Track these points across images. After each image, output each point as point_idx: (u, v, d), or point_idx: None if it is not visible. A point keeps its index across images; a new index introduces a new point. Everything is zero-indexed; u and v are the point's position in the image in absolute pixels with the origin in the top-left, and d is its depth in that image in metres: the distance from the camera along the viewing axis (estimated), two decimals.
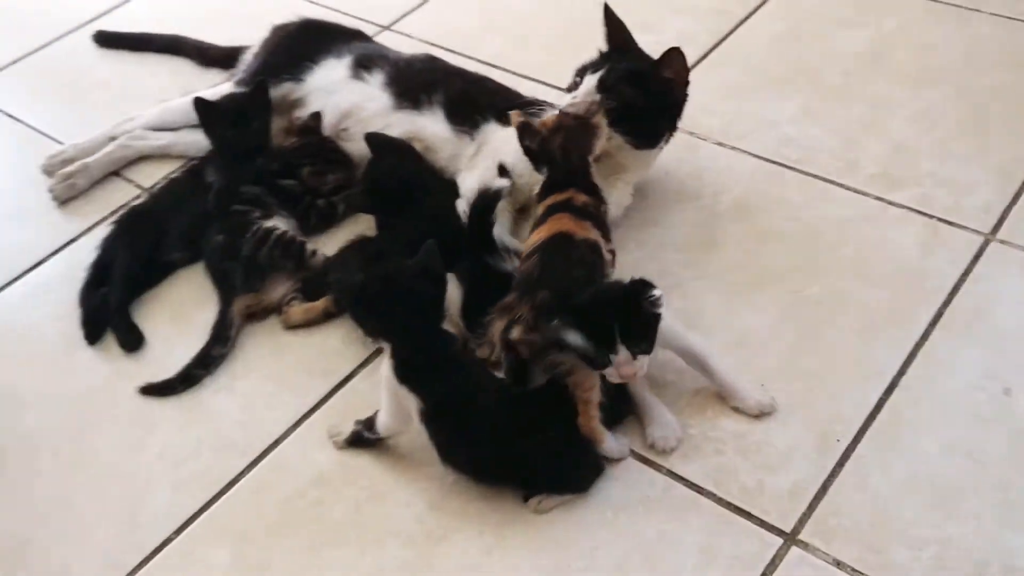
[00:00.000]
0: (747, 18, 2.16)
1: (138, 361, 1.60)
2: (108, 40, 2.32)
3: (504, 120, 1.70)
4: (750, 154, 1.82)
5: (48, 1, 2.52)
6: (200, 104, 1.78)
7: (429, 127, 1.74)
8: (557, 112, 1.55)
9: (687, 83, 1.64)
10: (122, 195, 1.91)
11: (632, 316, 1.25)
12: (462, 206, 1.62)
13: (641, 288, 1.26)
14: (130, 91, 2.16)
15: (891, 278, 1.57)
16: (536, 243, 1.43)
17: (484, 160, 1.68)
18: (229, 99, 1.82)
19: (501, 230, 1.60)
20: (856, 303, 1.54)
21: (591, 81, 1.57)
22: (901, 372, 1.44)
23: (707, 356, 1.41)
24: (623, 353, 1.25)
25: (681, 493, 1.33)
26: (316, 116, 1.83)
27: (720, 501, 1.32)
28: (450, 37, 2.19)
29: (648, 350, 1.28)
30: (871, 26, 2.09)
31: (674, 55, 1.57)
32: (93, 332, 1.63)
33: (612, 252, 1.49)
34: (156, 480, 1.43)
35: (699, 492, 1.33)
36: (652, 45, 2.00)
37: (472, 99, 1.75)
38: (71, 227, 1.85)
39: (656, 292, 1.26)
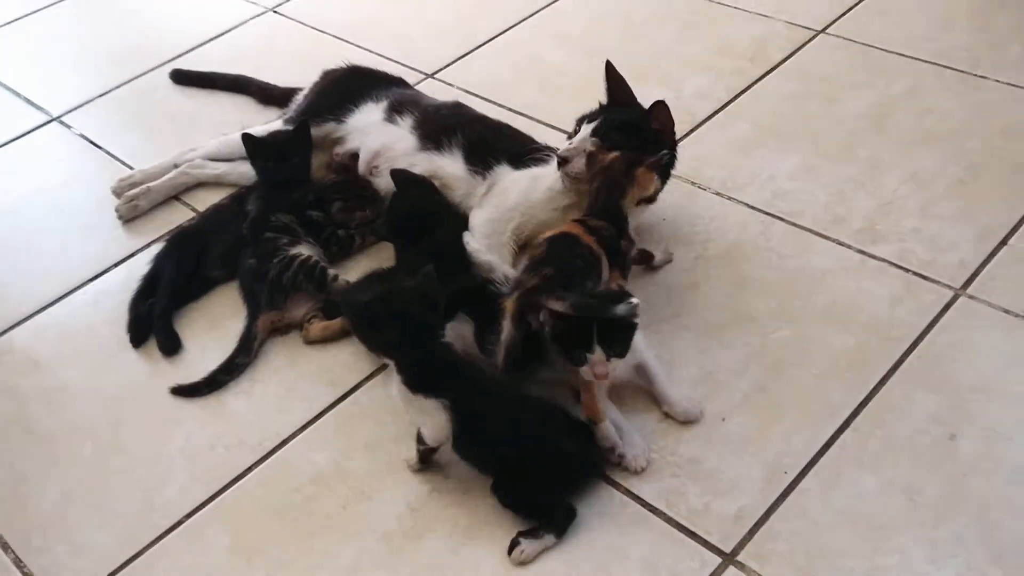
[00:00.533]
0: (762, 77, 2.29)
1: (174, 364, 1.80)
2: (183, 78, 2.57)
3: (515, 163, 1.88)
4: (745, 204, 1.95)
5: (139, 40, 2.80)
6: (247, 139, 1.99)
7: (447, 166, 1.92)
8: (615, 154, 1.68)
9: (673, 133, 1.77)
10: (179, 217, 2.12)
11: (610, 322, 1.41)
12: (467, 237, 1.79)
13: (621, 296, 1.44)
14: (197, 124, 2.39)
15: (859, 326, 1.68)
16: (545, 236, 1.64)
17: (493, 198, 1.85)
18: (273, 136, 2.03)
19: (500, 261, 1.76)
20: (822, 348, 1.65)
21: (586, 129, 1.74)
22: (855, 413, 1.55)
23: (651, 363, 1.57)
24: (598, 353, 1.41)
25: (634, 510, 1.46)
26: (354, 156, 2.03)
27: (669, 520, 1.44)
28: (486, 86, 2.38)
29: (622, 354, 1.44)
30: (879, 90, 2.20)
31: (660, 107, 1.73)
32: (137, 336, 1.84)
33: (620, 286, 1.64)
34: (175, 470, 1.61)
35: (651, 511, 1.45)
36: (671, 100, 2.15)
37: (488, 143, 1.92)
38: (131, 243, 2.08)
39: (634, 301, 1.42)
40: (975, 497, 1.42)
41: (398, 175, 1.90)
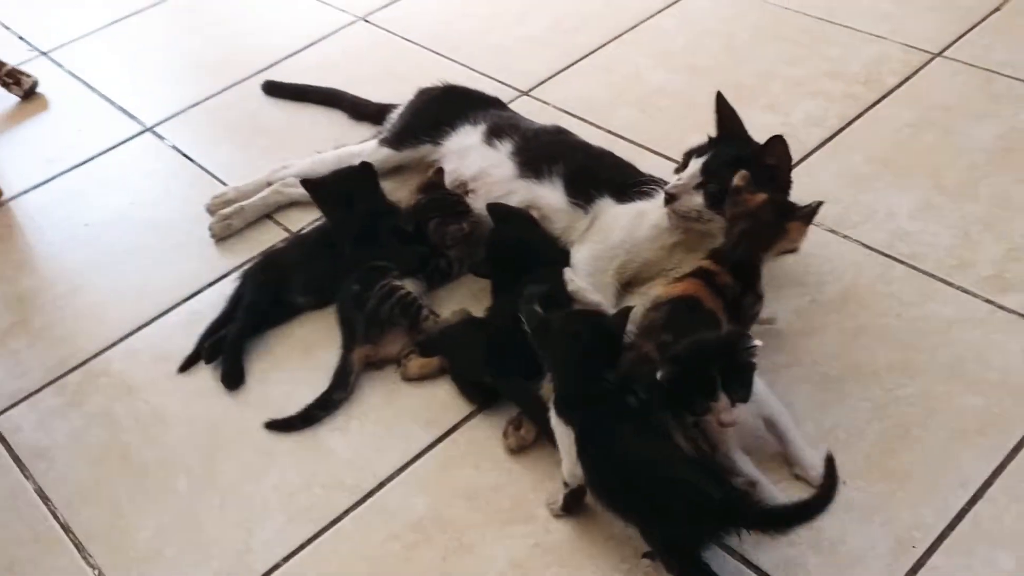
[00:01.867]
0: (876, 103, 2.18)
1: (267, 394, 1.77)
2: (274, 89, 2.54)
3: (618, 196, 1.81)
4: (861, 244, 1.85)
5: (229, 48, 2.78)
6: (307, 185, 1.95)
7: (547, 197, 1.85)
8: (764, 197, 1.57)
9: (790, 170, 1.69)
10: (272, 236, 2.10)
11: (731, 364, 1.35)
12: (569, 275, 1.72)
13: (738, 338, 1.37)
14: (289, 139, 2.37)
15: (990, 385, 1.58)
16: (666, 297, 1.55)
17: (596, 234, 1.78)
18: (334, 178, 1.97)
19: (604, 301, 1.69)
20: (950, 407, 1.55)
21: (696, 164, 1.66)
22: (988, 483, 1.45)
23: (781, 417, 1.49)
24: (723, 400, 1.34)
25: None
26: (439, 171, 1.97)
27: None
28: (582, 106, 2.31)
29: (746, 398, 1.37)
30: (1004, 120, 2.08)
31: (776, 143, 1.64)
32: (211, 357, 1.83)
33: None
34: (271, 508, 1.58)
35: None
36: (779, 127, 2.09)
37: (591, 173, 1.86)
38: (224, 263, 2.05)
39: (755, 342, 1.36)
40: None
41: (495, 209, 1.84)
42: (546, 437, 1.53)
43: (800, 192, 1.86)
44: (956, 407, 1.55)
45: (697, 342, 1.40)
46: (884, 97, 2.20)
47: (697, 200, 1.65)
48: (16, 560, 1.57)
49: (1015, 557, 1.36)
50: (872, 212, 1.91)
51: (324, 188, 1.96)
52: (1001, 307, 1.70)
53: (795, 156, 2.03)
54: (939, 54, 2.29)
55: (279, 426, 1.71)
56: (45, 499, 1.66)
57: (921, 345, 1.66)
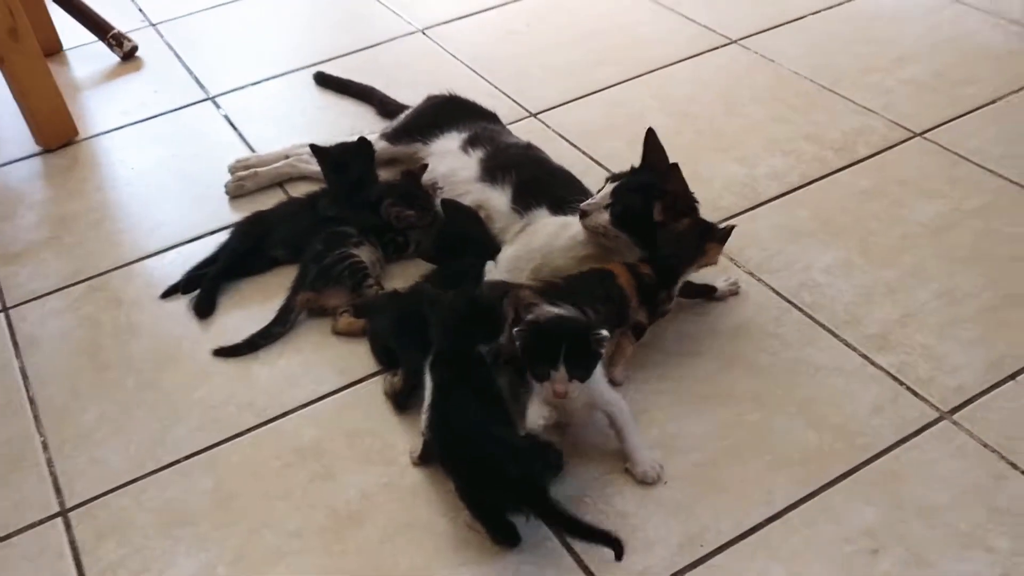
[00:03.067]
0: (840, 169, 2.31)
1: (223, 326, 2.05)
2: (323, 80, 2.85)
3: (555, 209, 2.01)
4: (771, 288, 1.99)
5: (298, 39, 3.13)
6: (314, 149, 2.25)
7: (494, 200, 2.08)
8: (688, 221, 1.83)
9: (688, 195, 1.85)
10: (276, 202, 2.39)
11: (580, 345, 1.55)
12: (490, 267, 1.94)
13: (593, 326, 1.57)
14: (319, 124, 2.67)
15: (829, 427, 1.70)
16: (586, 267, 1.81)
17: (523, 237, 1.99)
18: (338, 148, 2.25)
19: None
20: (785, 438, 1.69)
21: (609, 187, 1.85)
22: (791, 507, 1.58)
23: (620, 415, 1.65)
24: (562, 372, 1.55)
25: (552, 545, 1.56)
26: (423, 167, 2.22)
27: (580, 564, 1.53)
28: (577, 133, 2.52)
29: (583, 378, 1.57)
30: (951, 202, 2.17)
31: (673, 171, 1.82)
32: (187, 288, 2.13)
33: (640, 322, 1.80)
34: (190, 415, 1.85)
35: (565, 548, 1.55)
36: (741, 177, 2.27)
37: (539, 186, 2.06)
38: (230, 217, 2.34)
39: (604, 333, 1.56)
40: None
41: (448, 204, 2.08)
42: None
43: (739, 236, 2.01)
44: (790, 439, 1.68)
45: (558, 316, 1.61)
46: (850, 165, 2.32)
47: (604, 217, 1.84)
48: None
49: (788, 572, 1.49)
50: (792, 262, 2.05)
51: (327, 153, 2.26)
52: (873, 363, 1.81)
53: (747, 203, 2.23)
54: (920, 134, 2.40)
55: (225, 352, 1.98)
56: (24, 376, 1.98)
57: (783, 382, 1.79)
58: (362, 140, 2.24)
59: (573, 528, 1.52)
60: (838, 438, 1.68)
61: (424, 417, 1.64)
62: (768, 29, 2.90)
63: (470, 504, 1.56)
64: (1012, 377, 1.76)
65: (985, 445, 1.64)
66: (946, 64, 2.66)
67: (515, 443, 1.56)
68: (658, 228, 1.82)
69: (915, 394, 1.74)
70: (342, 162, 2.22)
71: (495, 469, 1.51)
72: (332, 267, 2.03)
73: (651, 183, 1.84)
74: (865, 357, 1.82)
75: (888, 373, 1.79)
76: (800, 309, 1.94)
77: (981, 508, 1.55)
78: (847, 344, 1.85)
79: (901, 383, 1.76)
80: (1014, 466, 1.61)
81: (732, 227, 1.85)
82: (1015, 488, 1.58)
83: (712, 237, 1.83)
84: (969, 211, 2.14)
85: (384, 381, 1.84)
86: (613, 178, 1.90)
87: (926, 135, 2.39)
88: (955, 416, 1.70)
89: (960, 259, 2.02)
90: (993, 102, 2.49)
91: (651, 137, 1.92)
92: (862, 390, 1.76)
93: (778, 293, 1.98)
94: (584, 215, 1.86)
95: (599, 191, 1.90)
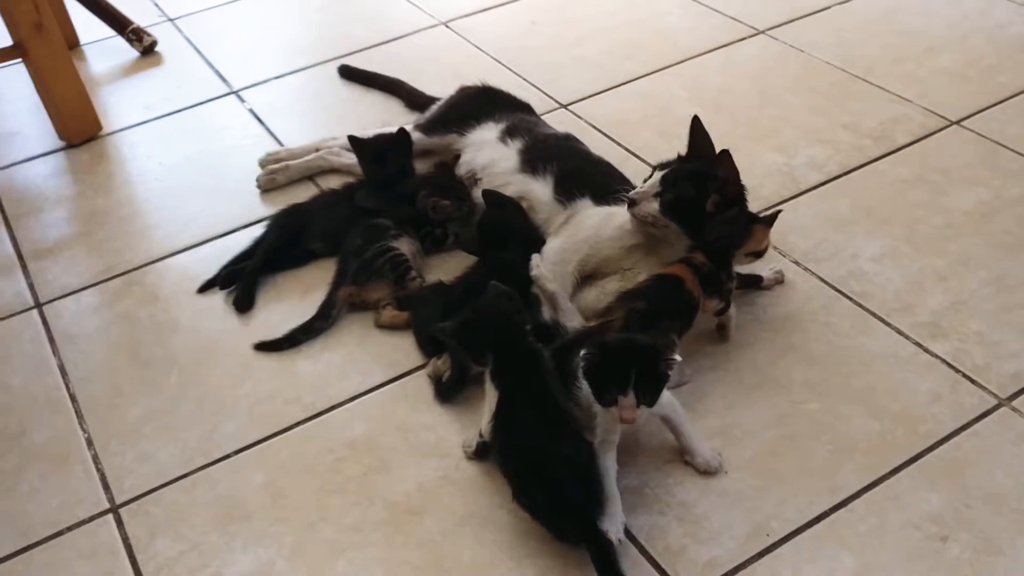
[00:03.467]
0: (879, 159, 2.30)
1: (263, 321, 2.02)
2: (348, 73, 2.83)
3: (598, 199, 2.00)
4: (818, 277, 1.98)
5: (320, 33, 3.10)
6: (353, 140, 2.22)
7: (537, 191, 2.05)
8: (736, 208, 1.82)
9: (739, 183, 1.83)
10: (308, 195, 2.36)
11: (650, 369, 1.48)
12: (536, 260, 1.92)
13: (664, 349, 1.49)
14: (347, 116, 2.64)
15: (890, 415, 1.69)
16: (654, 274, 1.78)
17: (569, 228, 1.97)
18: (376, 139, 2.24)
19: (559, 290, 1.87)
20: (845, 427, 1.67)
21: (658, 175, 1.84)
22: (856, 495, 1.57)
23: (675, 414, 1.63)
24: (631, 398, 1.47)
25: None
26: (456, 157, 2.21)
27: (643, 551, 1.52)
28: (611, 124, 2.50)
29: (651, 403, 1.49)
30: (993, 189, 2.16)
31: (723, 157, 1.79)
32: (225, 283, 2.10)
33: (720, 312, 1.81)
34: (238, 411, 1.83)
35: (630, 538, 1.54)
36: (780, 166, 2.25)
37: (581, 177, 2.04)
38: (263, 210, 2.32)
39: (676, 358, 1.49)
40: None
41: (490, 195, 2.06)
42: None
43: (782, 226, 1.99)
44: (851, 427, 1.67)
45: (628, 339, 1.55)
46: (889, 153, 2.31)
47: (654, 207, 1.82)
48: (26, 415, 1.86)
49: (857, 561, 1.48)
50: (838, 251, 2.04)
51: (365, 145, 2.24)
52: (927, 350, 1.80)
53: (787, 193, 2.22)
54: (956, 122, 2.39)
55: (266, 347, 1.96)
56: (63, 373, 1.95)
57: (839, 371, 1.78)
58: (401, 131, 2.23)
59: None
60: (898, 425, 1.67)
61: (486, 425, 1.63)
62: (795, 20, 2.90)
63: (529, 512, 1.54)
64: None
65: None
66: (976, 54, 2.65)
67: (578, 464, 1.51)
68: (708, 218, 1.80)
69: (972, 381, 1.73)
70: (380, 153, 2.20)
71: (557, 494, 1.49)
72: (373, 260, 2.00)
73: (701, 170, 1.82)
74: (919, 345, 1.81)
75: (943, 361, 1.78)
76: (849, 298, 1.93)
77: None
78: (900, 332, 1.84)
79: (957, 371, 1.76)
80: None
81: (779, 211, 1.85)
82: None
83: (758, 220, 1.83)
84: (1012, 199, 2.13)
85: (430, 364, 1.82)
86: (661, 167, 1.88)
87: (963, 123, 2.39)
88: (1014, 403, 1.69)
89: (1007, 246, 2.01)
90: None
91: (697, 124, 1.90)
92: (918, 378, 1.75)
93: (826, 282, 1.97)
94: (633, 204, 1.84)
95: (646, 180, 1.88)
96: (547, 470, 1.50)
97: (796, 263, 2.02)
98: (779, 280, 1.97)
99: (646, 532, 1.54)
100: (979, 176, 2.21)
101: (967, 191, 2.17)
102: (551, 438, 1.53)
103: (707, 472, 1.61)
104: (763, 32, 2.85)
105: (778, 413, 1.71)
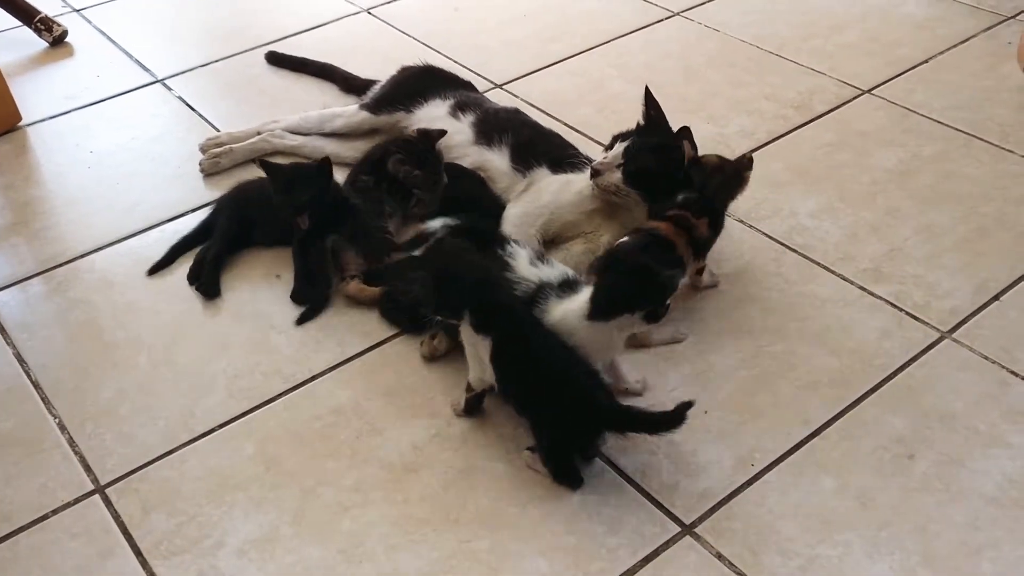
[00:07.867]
0: (802, 125, 2.45)
1: (226, 298, 2.01)
2: (276, 60, 2.82)
3: (554, 167, 2.07)
4: (763, 233, 2.11)
5: (242, 22, 3.07)
6: (264, 165, 2.05)
7: (494, 161, 2.12)
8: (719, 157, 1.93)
9: (695, 156, 1.93)
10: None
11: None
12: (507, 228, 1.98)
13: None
14: (282, 100, 2.63)
15: (846, 351, 1.82)
16: (646, 227, 1.83)
17: (528, 195, 2.04)
18: (292, 168, 2.11)
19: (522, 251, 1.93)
20: (808, 365, 1.80)
21: (620, 147, 1.92)
22: (827, 424, 1.69)
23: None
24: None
25: (611, 477, 1.62)
26: (441, 132, 2.13)
27: (640, 489, 1.60)
28: (548, 102, 2.58)
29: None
30: (909, 150, 2.34)
31: (684, 132, 1.89)
32: (193, 277, 2.07)
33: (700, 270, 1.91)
34: (216, 386, 1.82)
35: (626, 479, 1.61)
36: (714, 135, 2.36)
37: (534, 146, 2.12)
38: (208, 194, 2.30)
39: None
40: (920, 509, 1.55)
41: (451, 168, 2.10)
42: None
43: None
44: (814, 365, 1.80)
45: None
46: (811, 121, 2.47)
47: (617, 176, 1.91)
48: None
49: (837, 481, 1.60)
50: (778, 209, 2.18)
51: (278, 171, 2.05)
52: (871, 293, 1.95)
53: None
54: (868, 91, 2.57)
55: (304, 317, 1.95)
56: (22, 361, 1.89)
57: (795, 315, 1.91)
58: (323, 161, 2.02)
59: (655, 424, 1.56)
60: (855, 361, 1.80)
61: (476, 371, 1.67)
62: (706, 2, 3.05)
63: (548, 443, 1.59)
64: (996, 298, 1.92)
65: (985, 357, 1.80)
66: (876, 31, 2.86)
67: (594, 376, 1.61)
68: (691, 166, 1.88)
69: (915, 318, 1.89)
70: (289, 182, 2.02)
71: (585, 404, 1.56)
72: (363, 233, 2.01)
73: (661, 144, 1.91)
74: (863, 289, 1.96)
75: (888, 302, 1.93)
76: (794, 251, 2.06)
77: (994, 411, 1.70)
78: (844, 279, 1.98)
79: (901, 309, 1.91)
80: (1014, 373, 1.77)
81: (751, 154, 1.94)
82: (1019, 391, 1.74)
83: (744, 167, 1.91)
84: (928, 157, 2.32)
85: (422, 345, 1.85)
86: (621, 137, 1.96)
87: (874, 92, 2.57)
88: (954, 335, 1.85)
89: (929, 199, 2.18)
90: (925, 61, 2.69)
91: (650, 96, 2.00)
92: (867, 318, 1.89)
93: (771, 237, 2.10)
94: (596, 173, 1.92)
95: (607, 149, 1.97)
96: (569, 387, 1.56)
97: (741, 221, 2.15)
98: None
99: (640, 472, 1.62)
100: (895, 138, 2.39)
101: (887, 151, 2.34)
102: (564, 361, 1.59)
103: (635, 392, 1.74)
104: (678, 14, 2.99)
105: (746, 355, 1.82)
